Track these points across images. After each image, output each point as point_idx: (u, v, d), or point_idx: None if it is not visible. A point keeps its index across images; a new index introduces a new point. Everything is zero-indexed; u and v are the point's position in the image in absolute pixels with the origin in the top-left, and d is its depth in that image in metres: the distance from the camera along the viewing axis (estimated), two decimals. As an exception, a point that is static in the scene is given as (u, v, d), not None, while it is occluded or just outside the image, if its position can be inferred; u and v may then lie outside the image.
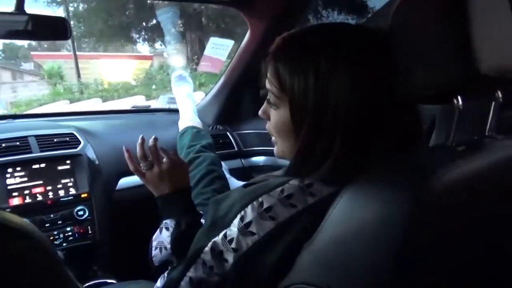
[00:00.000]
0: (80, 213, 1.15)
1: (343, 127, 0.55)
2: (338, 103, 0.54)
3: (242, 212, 0.58)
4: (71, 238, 1.13)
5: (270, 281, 0.56)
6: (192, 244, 0.65)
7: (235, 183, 1.18)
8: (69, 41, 10.26)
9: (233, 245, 0.58)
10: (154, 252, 0.77)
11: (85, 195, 1.17)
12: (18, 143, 1.15)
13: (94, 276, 1.16)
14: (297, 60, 0.58)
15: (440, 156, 0.52)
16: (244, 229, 0.57)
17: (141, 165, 0.84)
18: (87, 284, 1.10)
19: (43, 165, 1.15)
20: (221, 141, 1.52)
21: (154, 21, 11.90)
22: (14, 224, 0.38)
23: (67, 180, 1.17)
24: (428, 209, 0.44)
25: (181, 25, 11.84)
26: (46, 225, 1.10)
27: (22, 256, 0.37)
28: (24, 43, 17.45)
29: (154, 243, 0.79)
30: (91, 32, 12.11)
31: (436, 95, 0.53)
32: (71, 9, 11.41)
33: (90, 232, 1.16)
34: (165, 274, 0.75)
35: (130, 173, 1.28)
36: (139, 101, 7.59)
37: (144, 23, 12.04)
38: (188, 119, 1.36)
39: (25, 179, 1.12)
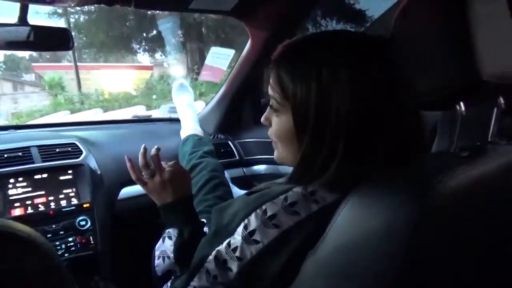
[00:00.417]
0: (82, 223, 1.14)
1: (346, 134, 0.55)
2: (340, 110, 0.54)
3: (246, 220, 0.58)
4: (73, 248, 1.12)
5: None
6: (195, 253, 0.65)
7: (237, 191, 1.18)
8: (70, 52, 10.35)
9: (237, 253, 0.57)
10: (157, 262, 0.77)
11: (87, 205, 1.16)
12: (20, 154, 1.15)
13: (96, 287, 1.15)
14: (299, 67, 0.58)
15: (444, 162, 0.52)
16: (248, 238, 0.57)
17: (143, 174, 0.85)
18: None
19: (45, 175, 1.15)
20: (222, 150, 1.52)
21: (154, 32, 12.00)
22: (22, 233, 0.38)
23: (69, 190, 1.17)
24: (433, 215, 0.44)
25: (181, 35, 11.93)
26: (48, 235, 1.10)
27: (27, 264, 0.37)
28: (25, 54, 17.57)
29: (157, 253, 0.79)
30: (92, 43, 12.19)
31: (438, 101, 0.53)
32: (72, 20, 11.52)
33: (92, 242, 1.15)
34: (168, 284, 0.74)
35: (132, 183, 1.28)
36: (140, 111, 7.61)
37: (144, 34, 12.14)
38: (190, 128, 1.36)
39: (27, 189, 1.12)
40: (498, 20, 0.50)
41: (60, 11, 10.89)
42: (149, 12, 10.54)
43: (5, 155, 1.13)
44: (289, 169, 0.64)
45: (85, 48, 12.98)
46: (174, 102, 1.50)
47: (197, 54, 11.31)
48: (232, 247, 0.58)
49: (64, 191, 1.16)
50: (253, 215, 0.58)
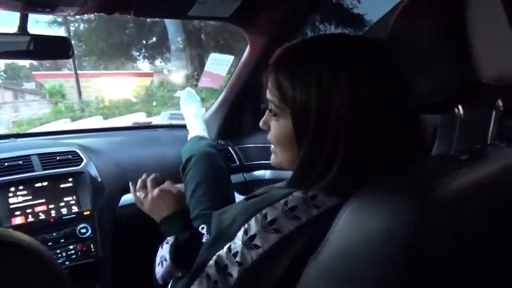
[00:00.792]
0: (83, 231, 1.14)
1: (346, 136, 0.54)
2: (340, 114, 0.54)
3: (246, 225, 0.58)
4: (74, 256, 1.12)
5: None
6: (197, 257, 0.64)
7: (238, 197, 1.18)
8: (70, 60, 10.39)
9: (238, 258, 0.57)
10: (157, 269, 0.77)
11: (88, 212, 1.16)
12: (20, 162, 1.15)
13: (97, 295, 1.15)
14: (299, 71, 0.58)
15: (444, 165, 0.52)
16: (249, 242, 0.57)
17: (137, 194, 0.94)
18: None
19: (45, 183, 1.15)
20: (223, 155, 1.52)
21: (154, 39, 12.06)
22: (22, 242, 0.38)
23: (70, 198, 1.17)
24: (433, 218, 0.44)
25: (181, 42, 11.98)
26: (49, 243, 1.10)
27: (28, 274, 0.37)
28: (26, 63, 17.68)
29: (157, 260, 0.79)
30: (92, 51, 12.26)
31: (437, 104, 0.53)
32: (72, 29, 11.59)
33: (93, 250, 1.15)
34: (169, 286, 0.74)
35: (132, 189, 1.29)
36: (140, 117, 7.62)
37: (144, 41, 12.20)
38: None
39: (28, 197, 1.12)
40: (496, 23, 0.50)
41: (60, 20, 10.97)
42: (148, 20, 10.61)
43: (6, 164, 1.13)
44: (290, 174, 0.64)
45: (85, 56, 13.05)
46: (182, 112, 1.49)
47: (196, 60, 11.36)
48: (232, 252, 0.58)
49: (65, 199, 1.16)
50: (253, 219, 0.57)
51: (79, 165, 1.21)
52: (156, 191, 0.89)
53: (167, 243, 0.79)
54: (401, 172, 0.53)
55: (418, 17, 0.52)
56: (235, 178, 1.48)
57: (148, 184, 0.93)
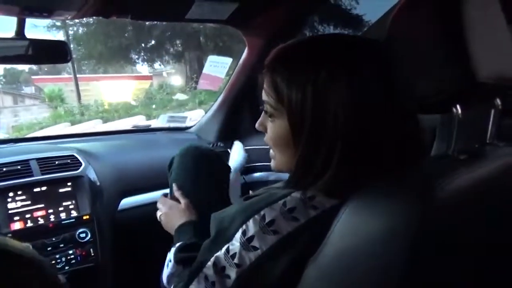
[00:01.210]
0: (82, 235, 1.13)
1: (342, 138, 0.54)
2: (336, 114, 0.54)
3: (244, 226, 0.57)
4: (73, 261, 1.11)
5: None
6: (197, 257, 0.64)
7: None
8: (69, 64, 10.40)
9: (236, 260, 0.57)
10: (164, 271, 0.77)
11: (87, 217, 1.16)
12: (19, 167, 1.15)
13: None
14: (295, 70, 0.57)
15: (442, 165, 0.51)
16: (247, 244, 0.56)
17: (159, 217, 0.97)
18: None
19: (44, 188, 1.15)
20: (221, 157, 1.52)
21: (153, 42, 12.07)
22: (15, 249, 0.38)
23: (69, 203, 1.16)
24: (433, 219, 0.44)
25: (179, 44, 12.01)
26: (48, 248, 1.09)
27: (22, 282, 0.37)
28: (25, 67, 17.70)
29: (165, 263, 0.79)
30: (91, 55, 12.26)
31: (435, 105, 0.53)
32: (70, 32, 11.60)
33: (92, 254, 1.14)
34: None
35: (131, 193, 1.29)
36: (140, 121, 7.62)
37: (143, 44, 12.21)
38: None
39: (27, 202, 1.11)
40: (493, 22, 0.50)
41: (58, 24, 10.97)
42: (147, 23, 10.63)
43: (4, 169, 1.13)
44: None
45: (84, 60, 13.05)
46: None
47: (195, 63, 11.37)
48: (230, 253, 0.58)
49: (64, 203, 1.15)
50: (251, 220, 0.57)
51: (78, 169, 1.21)
52: (166, 207, 0.94)
53: (174, 246, 0.79)
54: (400, 173, 0.52)
55: (415, 17, 0.52)
56: (235, 180, 1.48)
57: (162, 201, 0.97)
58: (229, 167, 1.17)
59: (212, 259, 0.60)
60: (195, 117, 1.95)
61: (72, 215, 1.15)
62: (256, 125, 0.67)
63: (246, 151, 1.56)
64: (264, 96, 0.62)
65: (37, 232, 1.10)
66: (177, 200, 0.95)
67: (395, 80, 0.54)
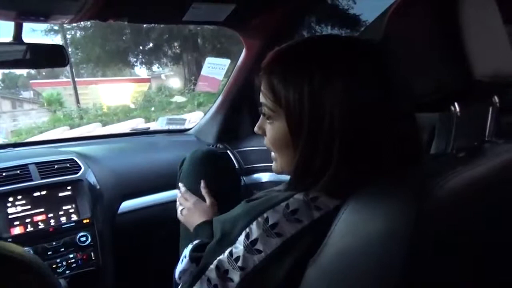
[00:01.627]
0: (83, 239, 1.13)
1: (340, 138, 0.54)
2: (333, 114, 0.54)
3: (247, 229, 0.57)
4: (74, 265, 1.11)
5: None
6: (202, 258, 0.64)
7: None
8: (68, 67, 10.40)
9: (240, 263, 0.57)
10: (178, 266, 0.77)
11: (87, 220, 1.15)
12: (18, 172, 1.15)
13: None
14: (291, 72, 0.58)
15: (441, 164, 0.51)
16: (250, 247, 0.56)
17: (177, 205, 0.98)
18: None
19: (44, 192, 1.14)
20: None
21: (151, 45, 12.08)
22: (14, 254, 0.38)
23: (69, 207, 1.16)
24: (432, 218, 0.44)
25: (177, 46, 12.01)
26: (49, 253, 1.09)
27: (22, 287, 0.37)
28: (23, 72, 17.68)
29: (180, 259, 0.79)
30: (89, 58, 12.27)
31: (433, 103, 0.53)
32: (68, 36, 11.60)
33: (93, 258, 1.14)
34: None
35: (131, 196, 1.29)
36: (139, 123, 7.62)
37: (141, 47, 12.21)
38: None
39: (27, 207, 1.11)
40: (490, 20, 0.50)
41: (56, 28, 10.98)
42: (144, 26, 10.63)
43: (4, 174, 1.13)
44: (289, 177, 0.64)
45: (82, 63, 13.06)
46: None
47: (194, 64, 11.38)
48: (234, 256, 0.57)
49: (64, 207, 1.15)
50: (254, 223, 0.57)
51: (78, 173, 1.20)
52: (190, 203, 0.94)
53: (192, 244, 0.78)
54: (399, 173, 0.52)
55: (412, 16, 0.52)
56: (235, 181, 1.47)
57: (186, 196, 0.97)
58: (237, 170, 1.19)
59: (215, 262, 0.60)
60: (194, 119, 1.95)
61: (72, 219, 1.15)
62: (255, 128, 0.67)
63: (246, 152, 1.56)
64: (262, 99, 0.62)
65: (38, 237, 1.09)
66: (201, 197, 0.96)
67: (391, 79, 0.54)
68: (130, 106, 10.32)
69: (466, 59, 0.45)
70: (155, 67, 13.60)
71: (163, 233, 0.95)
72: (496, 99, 0.54)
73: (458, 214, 0.45)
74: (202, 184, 0.98)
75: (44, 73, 14.77)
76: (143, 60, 12.72)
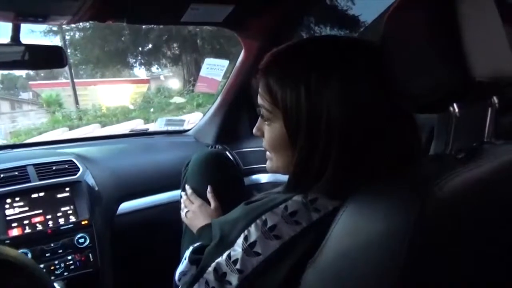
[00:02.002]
0: (81, 240, 1.13)
1: (338, 139, 0.54)
2: (331, 114, 0.54)
3: (246, 232, 0.57)
4: (72, 267, 1.10)
5: None
6: (201, 261, 0.64)
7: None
8: (67, 68, 10.40)
9: (238, 266, 0.56)
10: (179, 267, 0.77)
11: (86, 222, 1.15)
12: (16, 173, 1.15)
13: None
14: (288, 73, 0.58)
15: (440, 165, 0.51)
16: (249, 250, 0.56)
17: (182, 212, 0.98)
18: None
19: (42, 193, 1.14)
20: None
21: (150, 45, 12.08)
22: (9, 257, 0.37)
23: (67, 208, 1.15)
24: (432, 219, 0.43)
25: (176, 47, 12.01)
26: (47, 254, 1.08)
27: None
28: (22, 73, 17.69)
29: (181, 261, 0.79)
30: (88, 59, 12.27)
31: (432, 104, 0.53)
32: (67, 37, 11.60)
33: (91, 259, 1.13)
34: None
35: (130, 197, 1.28)
36: (138, 124, 7.61)
37: (140, 48, 12.21)
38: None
39: (24, 209, 1.11)
40: (489, 20, 0.50)
41: (55, 29, 10.97)
42: (143, 27, 10.63)
43: (2, 175, 1.12)
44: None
45: (81, 64, 13.06)
46: None
47: (193, 65, 11.38)
48: (232, 259, 0.57)
49: (62, 209, 1.15)
50: (253, 226, 0.57)
51: (76, 174, 1.20)
52: (195, 206, 0.94)
53: (193, 246, 0.78)
54: (398, 174, 0.52)
55: (410, 17, 0.52)
56: (233, 182, 1.47)
57: (192, 198, 0.97)
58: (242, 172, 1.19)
59: (213, 264, 0.60)
60: (193, 120, 1.94)
61: (70, 221, 1.14)
62: (254, 130, 0.67)
63: (245, 153, 1.56)
64: (260, 100, 0.62)
65: (36, 238, 1.09)
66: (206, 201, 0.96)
67: (390, 80, 0.54)
68: (129, 107, 10.32)
69: (465, 59, 0.45)
70: (154, 68, 13.61)
71: (162, 235, 0.95)
72: (495, 99, 0.54)
73: (458, 215, 0.45)
74: (209, 188, 0.98)
75: (43, 74, 14.76)
76: (142, 61, 12.72)
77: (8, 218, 1.08)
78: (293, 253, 0.54)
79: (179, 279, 0.74)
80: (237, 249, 0.57)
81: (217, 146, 1.59)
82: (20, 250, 1.05)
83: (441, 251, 0.44)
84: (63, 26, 8.96)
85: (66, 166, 1.22)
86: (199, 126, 1.67)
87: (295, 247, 0.54)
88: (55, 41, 11.27)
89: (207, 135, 1.61)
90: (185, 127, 1.82)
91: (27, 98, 15.19)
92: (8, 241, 1.06)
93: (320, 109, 0.54)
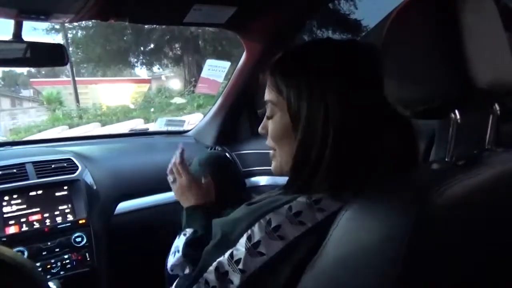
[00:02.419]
0: (78, 239, 1.12)
1: (334, 128, 0.56)
2: (328, 113, 0.56)
3: (249, 231, 0.57)
4: (68, 266, 1.10)
5: None
6: (199, 262, 0.64)
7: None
8: (68, 67, 10.40)
9: (241, 266, 0.56)
10: (170, 257, 0.77)
11: (83, 221, 1.15)
12: (15, 170, 1.14)
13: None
14: (292, 74, 0.61)
15: (440, 171, 0.51)
16: (252, 250, 0.56)
17: (168, 178, 0.93)
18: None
19: (40, 191, 1.14)
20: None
21: (152, 45, 12.09)
22: (4, 257, 0.37)
23: (65, 207, 1.15)
24: (430, 226, 0.43)
25: (178, 48, 12.02)
26: (43, 253, 1.08)
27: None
28: (23, 70, 17.70)
29: (172, 249, 0.78)
30: (90, 58, 12.28)
31: (433, 110, 0.52)
32: (69, 35, 11.61)
33: (88, 259, 1.13)
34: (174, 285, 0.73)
35: (128, 197, 1.28)
36: (138, 124, 7.61)
37: (141, 48, 12.23)
38: None
39: (22, 206, 1.11)
40: (491, 27, 0.50)
41: (57, 27, 10.99)
42: (146, 26, 10.65)
43: (0, 172, 1.12)
44: (286, 180, 0.63)
45: (83, 63, 13.07)
46: None
47: (194, 66, 11.39)
48: (235, 258, 0.57)
49: (60, 207, 1.15)
50: (256, 225, 0.56)
51: (74, 173, 1.20)
52: (184, 179, 0.90)
53: (185, 234, 0.78)
54: (397, 179, 0.52)
55: (412, 22, 0.51)
56: (232, 184, 1.47)
57: (179, 168, 0.91)
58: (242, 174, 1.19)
59: (214, 264, 0.59)
60: (193, 121, 1.94)
61: (68, 219, 1.14)
62: (259, 128, 0.69)
63: (244, 155, 1.55)
64: (266, 95, 0.65)
65: (33, 237, 1.09)
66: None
67: (389, 85, 0.54)
68: (130, 106, 10.32)
69: (466, 66, 0.45)
70: (155, 68, 13.63)
71: (159, 235, 0.94)
72: (496, 107, 0.54)
73: (457, 222, 0.45)
74: (206, 175, 0.95)
75: (44, 72, 14.77)
76: (144, 60, 12.73)
77: (5, 215, 1.08)
78: (297, 254, 0.54)
79: (172, 270, 0.74)
80: (240, 248, 0.57)
81: (216, 148, 1.58)
82: (17, 248, 1.05)
83: (440, 257, 0.44)
84: (66, 24, 8.97)
85: (65, 164, 1.21)
86: (199, 127, 1.67)
87: (300, 248, 0.54)
88: (57, 39, 11.30)
89: (207, 136, 1.61)
90: (185, 127, 1.82)
91: (27, 96, 15.20)
92: (4, 239, 1.06)
93: (318, 107, 0.57)
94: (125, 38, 11.69)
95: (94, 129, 8.14)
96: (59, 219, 1.13)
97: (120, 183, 1.28)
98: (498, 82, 0.48)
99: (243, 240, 0.57)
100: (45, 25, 11.03)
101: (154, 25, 9.72)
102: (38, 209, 1.12)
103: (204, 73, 1.69)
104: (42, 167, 1.18)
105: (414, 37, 0.50)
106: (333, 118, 0.56)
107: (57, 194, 1.16)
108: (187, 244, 0.75)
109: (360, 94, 0.56)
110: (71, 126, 8.69)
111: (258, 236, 0.56)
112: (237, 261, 0.56)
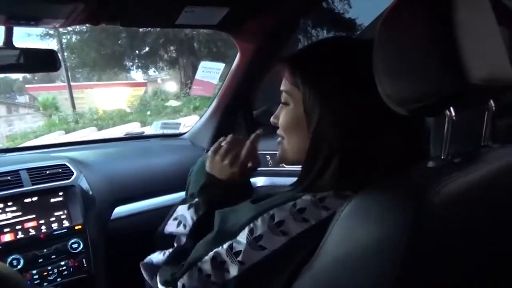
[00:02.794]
0: (74, 245, 1.11)
1: (339, 138, 0.56)
2: (335, 116, 0.57)
3: (252, 224, 0.56)
4: (65, 272, 1.09)
5: None
6: (193, 252, 0.63)
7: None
8: (63, 72, 10.39)
9: (240, 258, 0.55)
10: (170, 221, 0.75)
11: (79, 227, 1.14)
12: (9, 178, 1.13)
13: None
14: (310, 69, 0.62)
15: (437, 169, 0.50)
16: (254, 243, 0.55)
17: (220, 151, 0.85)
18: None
19: (35, 198, 1.13)
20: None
21: (147, 49, 12.09)
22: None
23: (60, 213, 1.14)
24: (428, 225, 0.43)
25: (173, 50, 12.02)
26: (40, 260, 1.07)
27: None
28: (19, 76, 17.65)
29: (174, 214, 0.78)
30: (85, 62, 12.26)
31: (428, 107, 0.52)
32: (64, 41, 11.58)
33: (85, 265, 1.12)
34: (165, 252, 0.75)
35: (125, 202, 1.27)
36: (134, 128, 7.60)
37: (137, 51, 12.21)
38: None
39: (17, 213, 1.09)
40: (484, 24, 0.50)
41: (52, 32, 10.97)
42: (140, 30, 10.64)
43: (-6, 180, 1.11)
44: (285, 181, 0.63)
45: (78, 68, 13.04)
46: None
47: (190, 69, 11.39)
48: (234, 250, 0.56)
49: (55, 213, 1.14)
50: (259, 219, 0.56)
51: (70, 178, 1.19)
52: (226, 157, 0.83)
53: (196, 209, 0.76)
54: (394, 178, 0.51)
55: (406, 20, 0.51)
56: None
57: (225, 144, 0.87)
58: None
59: (211, 253, 0.58)
60: (189, 123, 1.94)
61: (64, 226, 1.13)
62: (271, 118, 0.70)
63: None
64: (282, 86, 0.65)
65: (28, 244, 1.08)
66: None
67: (382, 83, 0.54)
68: (126, 110, 10.31)
69: (461, 62, 0.45)
70: (151, 71, 13.61)
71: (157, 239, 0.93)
72: (492, 103, 0.54)
73: (456, 221, 0.44)
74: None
75: (39, 78, 14.73)
76: (139, 64, 12.72)
77: (0, 223, 1.06)
78: (299, 251, 0.54)
79: (170, 234, 0.75)
80: (241, 241, 0.56)
81: (212, 150, 1.57)
82: (12, 256, 1.04)
83: (437, 255, 0.43)
84: (60, 29, 8.94)
85: (60, 170, 1.20)
86: (195, 130, 1.66)
87: (302, 245, 0.54)
88: (52, 44, 11.27)
89: (203, 139, 1.60)
90: (181, 130, 1.81)
91: (23, 102, 15.15)
92: (0, 247, 1.04)
93: (331, 106, 0.58)
94: (120, 42, 11.68)
95: (90, 133, 8.12)
96: (55, 226, 1.12)
97: (116, 187, 1.27)
98: (493, 77, 0.48)
99: (244, 233, 0.56)
100: (39, 30, 11.01)
101: (148, 28, 9.71)
102: (33, 216, 1.11)
103: (199, 75, 1.68)
104: (37, 174, 1.17)
105: (408, 34, 0.50)
106: (345, 117, 0.57)
107: (52, 200, 1.15)
108: (196, 225, 0.74)
109: (364, 98, 0.56)
110: (67, 131, 8.67)
111: (260, 230, 0.55)
112: (237, 253, 0.56)
